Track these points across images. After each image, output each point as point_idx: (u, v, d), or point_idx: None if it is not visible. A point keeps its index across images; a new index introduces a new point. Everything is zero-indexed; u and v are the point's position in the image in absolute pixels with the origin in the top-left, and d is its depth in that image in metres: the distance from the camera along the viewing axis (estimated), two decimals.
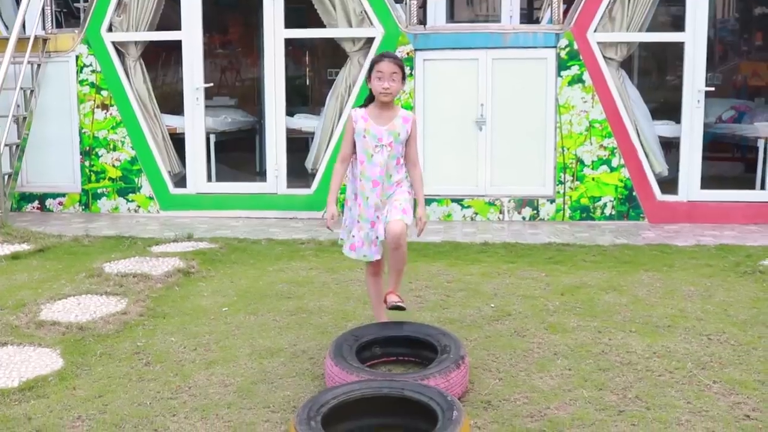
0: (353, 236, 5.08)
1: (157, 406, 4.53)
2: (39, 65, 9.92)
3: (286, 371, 4.94)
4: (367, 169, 4.94)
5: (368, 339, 4.84)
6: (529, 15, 12.92)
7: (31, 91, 9.89)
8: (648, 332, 5.52)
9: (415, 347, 4.87)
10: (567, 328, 5.60)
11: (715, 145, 10.98)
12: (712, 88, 9.44)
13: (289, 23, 9.67)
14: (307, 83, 13.69)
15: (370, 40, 9.42)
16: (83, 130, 9.97)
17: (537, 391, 4.63)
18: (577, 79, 9.27)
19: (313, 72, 13.34)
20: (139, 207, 9.99)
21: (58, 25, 10.54)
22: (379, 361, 4.89)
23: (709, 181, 9.50)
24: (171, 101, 10.95)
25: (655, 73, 13.17)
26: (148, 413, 4.44)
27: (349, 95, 9.54)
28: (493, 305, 6.09)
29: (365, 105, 5.05)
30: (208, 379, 4.87)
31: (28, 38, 9.51)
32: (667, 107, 10.83)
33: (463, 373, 4.45)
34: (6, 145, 9.29)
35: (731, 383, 4.72)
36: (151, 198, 9.96)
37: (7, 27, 10.37)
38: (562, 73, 9.28)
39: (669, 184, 9.47)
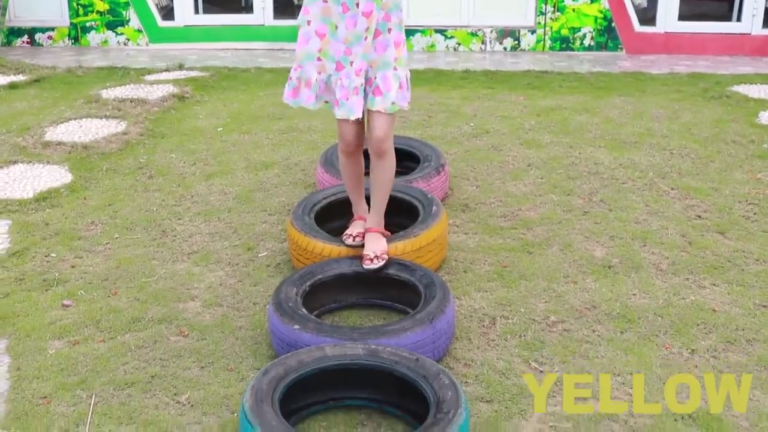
0: (304, 78, 3.77)
1: (163, 212, 4.96)
2: None
3: (280, 181, 5.36)
4: None
5: None
6: None
7: None
8: (615, 147, 5.93)
9: (400, 158, 5.21)
10: (541, 143, 6.01)
11: None
12: None
13: None
14: None
15: None
16: None
17: (510, 196, 5.07)
18: None
19: None
20: (128, 40, 10.14)
21: None
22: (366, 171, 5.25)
23: (687, 14, 9.72)
24: None
25: None
26: (155, 218, 4.87)
27: None
28: (472, 124, 6.47)
29: None
30: (209, 189, 5.28)
31: None
32: None
33: (443, 178, 4.87)
34: None
35: (687, 189, 5.17)
36: (139, 31, 10.10)
37: None
38: None
39: (648, 16, 9.69)
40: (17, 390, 3.26)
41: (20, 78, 8.30)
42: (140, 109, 6.92)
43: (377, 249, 3.80)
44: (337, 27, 3.65)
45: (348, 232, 4.00)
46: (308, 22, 3.71)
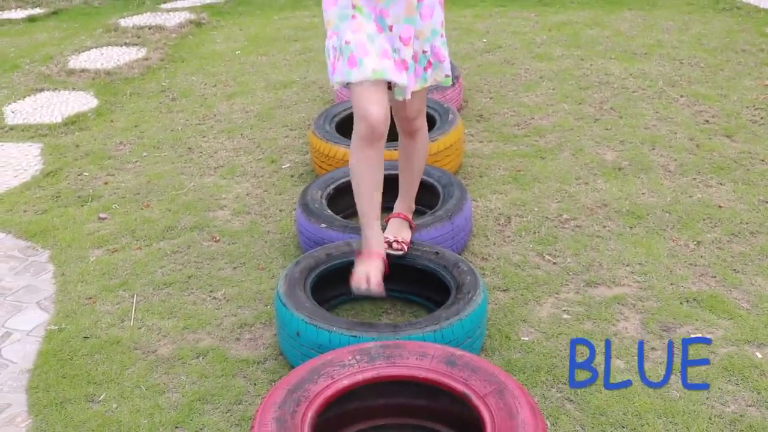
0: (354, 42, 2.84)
1: (188, 131, 5.14)
2: None
3: (299, 98, 5.52)
4: None
5: None
6: None
7: None
8: (626, 58, 6.04)
9: None
10: (552, 57, 6.12)
11: None
12: None
13: None
14: None
15: None
16: None
17: (523, 106, 5.22)
18: None
19: None
20: None
21: None
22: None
23: None
24: None
25: None
26: (181, 136, 5.06)
27: None
28: (485, 40, 6.58)
29: None
30: (230, 108, 5.45)
31: None
32: None
33: (457, 90, 5.02)
34: None
35: (696, 97, 5.30)
36: None
37: None
38: None
39: None
40: (64, 292, 3.50)
41: (38, 11, 8.44)
42: (159, 35, 7.06)
43: (399, 236, 3.26)
44: (362, 7, 2.88)
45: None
46: None
